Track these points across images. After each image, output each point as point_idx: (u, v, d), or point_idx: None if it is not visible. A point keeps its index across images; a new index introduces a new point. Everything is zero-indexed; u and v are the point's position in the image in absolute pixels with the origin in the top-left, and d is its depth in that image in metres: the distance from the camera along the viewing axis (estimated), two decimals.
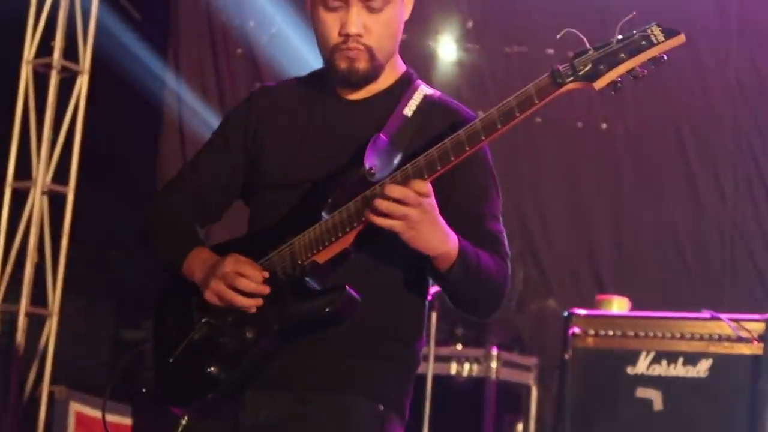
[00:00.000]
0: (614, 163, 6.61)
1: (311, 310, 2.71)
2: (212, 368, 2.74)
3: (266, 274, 2.74)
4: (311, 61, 3.46)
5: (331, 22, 2.83)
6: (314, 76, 3.01)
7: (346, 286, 2.67)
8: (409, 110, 2.86)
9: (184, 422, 2.78)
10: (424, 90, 2.92)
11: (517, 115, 2.62)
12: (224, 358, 2.75)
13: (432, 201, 2.61)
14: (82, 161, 6.65)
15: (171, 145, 7.16)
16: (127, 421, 5.88)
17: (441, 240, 2.64)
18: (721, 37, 6.34)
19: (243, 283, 2.71)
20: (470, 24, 6.97)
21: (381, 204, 2.57)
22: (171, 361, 2.82)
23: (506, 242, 2.88)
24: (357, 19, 2.80)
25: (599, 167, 6.66)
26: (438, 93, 2.96)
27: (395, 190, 2.58)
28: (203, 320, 2.81)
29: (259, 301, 2.73)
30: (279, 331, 2.73)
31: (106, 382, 3.34)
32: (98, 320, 7.37)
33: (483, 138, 2.65)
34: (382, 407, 2.79)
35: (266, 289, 2.73)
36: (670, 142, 6.50)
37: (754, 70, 6.30)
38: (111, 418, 5.84)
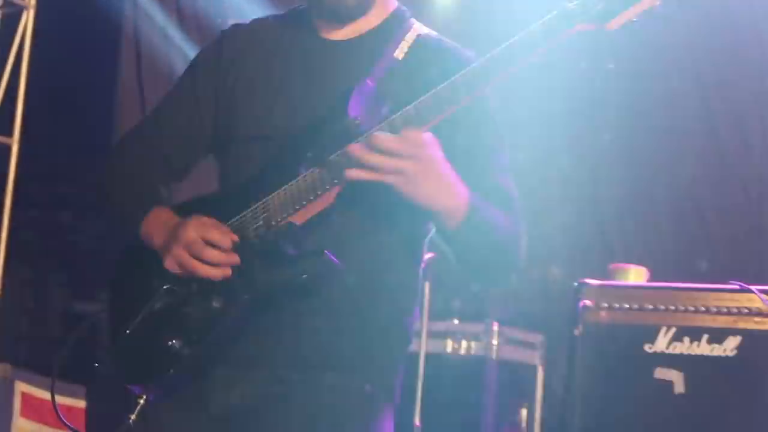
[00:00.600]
0: (625, 110, 6.59)
1: (286, 276, 2.71)
2: (174, 341, 2.74)
3: (235, 238, 2.74)
4: None
5: None
6: (294, 14, 3.02)
7: (325, 251, 2.67)
8: (400, 52, 2.87)
9: (142, 402, 2.76)
10: (417, 29, 2.92)
11: (520, 60, 2.62)
12: (188, 330, 2.76)
13: (430, 150, 2.59)
14: (28, 109, 6.61)
15: (131, 93, 7.12)
16: (81, 403, 5.90)
17: (446, 193, 2.64)
18: None
19: (208, 253, 2.70)
20: None
21: (370, 158, 2.56)
22: (128, 332, 2.82)
23: (516, 195, 2.89)
24: None
25: (609, 112, 6.64)
26: (434, 33, 2.95)
27: (385, 141, 2.56)
28: (164, 287, 2.80)
29: (227, 271, 2.72)
30: (250, 301, 2.73)
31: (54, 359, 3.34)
32: (47, 291, 7.36)
33: (481, 84, 2.64)
34: (369, 387, 2.82)
35: (235, 259, 2.72)
36: (690, 89, 6.49)
37: None
38: (62, 400, 5.85)
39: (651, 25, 6.33)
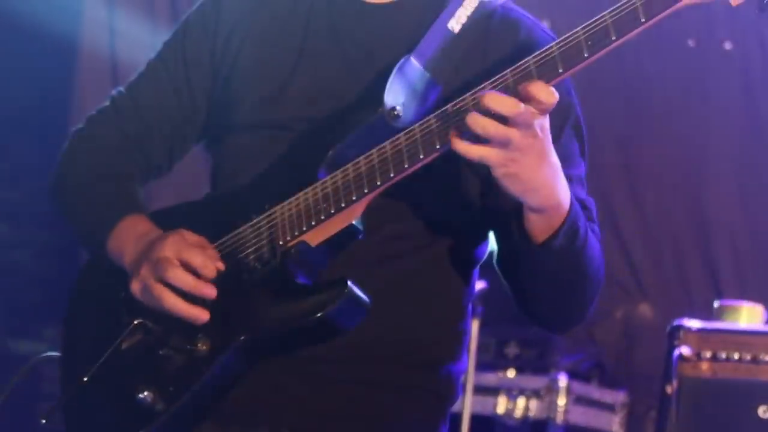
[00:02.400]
0: (747, 101, 6.70)
1: (295, 314, 2.65)
2: (146, 393, 2.68)
3: (221, 267, 2.67)
4: None
5: None
6: None
7: (348, 281, 2.61)
8: (456, 23, 2.83)
9: None
10: None
11: (614, 38, 2.52)
12: (164, 380, 2.71)
13: (547, 122, 2.49)
14: None
15: (94, 69, 7.24)
16: None
17: (552, 183, 2.54)
18: None
19: (177, 276, 2.63)
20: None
21: (477, 121, 2.43)
22: (85, 380, 2.77)
23: (596, 212, 2.81)
24: None
25: (721, 106, 6.75)
26: (500, 0, 2.89)
27: (500, 102, 2.41)
28: (135, 322, 2.75)
29: (203, 313, 2.65)
30: (246, 345, 2.68)
31: None
32: None
33: (561, 72, 2.52)
34: None
35: (211, 291, 2.65)
36: None
37: None
38: None
39: None
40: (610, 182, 6.67)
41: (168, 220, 2.81)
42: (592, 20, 2.55)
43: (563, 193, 2.55)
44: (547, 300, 2.74)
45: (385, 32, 2.87)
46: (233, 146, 2.92)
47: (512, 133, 2.42)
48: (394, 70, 2.71)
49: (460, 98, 2.52)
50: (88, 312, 2.91)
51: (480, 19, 2.85)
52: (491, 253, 2.82)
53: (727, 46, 6.74)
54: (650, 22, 2.60)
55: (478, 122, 2.42)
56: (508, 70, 2.51)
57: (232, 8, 2.98)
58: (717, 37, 6.74)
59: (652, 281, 6.60)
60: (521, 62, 2.51)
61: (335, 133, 2.69)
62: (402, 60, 2.73)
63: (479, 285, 5.31)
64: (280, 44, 2.91)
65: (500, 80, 2.51)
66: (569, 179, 2.65)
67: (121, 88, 3.02)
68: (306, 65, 2.88)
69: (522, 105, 2.41)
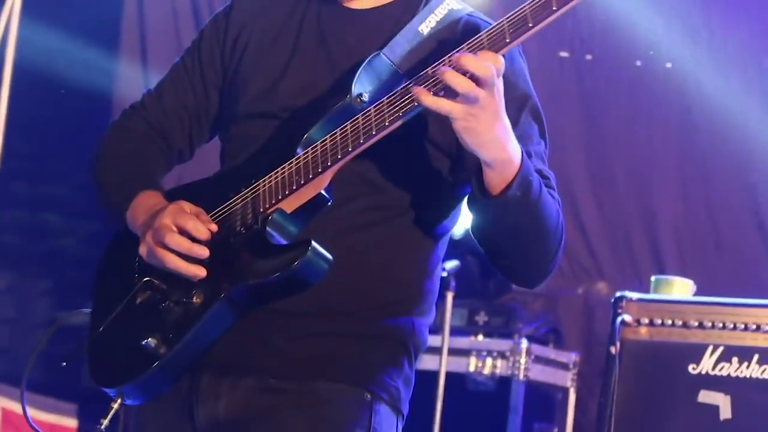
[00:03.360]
0: (682, 110, 6.69)
1: (268, 270, 2.64)
2: (150, 339, 2.67)
3: (214, 228, 2.69)
4: None
5: None
6: None
7: (312, 241, 2.60)
8: (425, 27, 2.80)
9: (116, 406, 2.73)
10: (450, 4, 2.84)
11: (531, 24, 2.49)
12: (165, 327, 2.71)
13: (502, 85, 2.47)
14: (13, 100, 6.68)
15: (131, 77, 7.21)
16: (72, 422, 5.95)
17: (504, 139, 2.51)
18: None
19: (175, 240, 2.64)
20: None
21: (453, 78, 2.42)
22: (101, 329, 2.78)
23: (554, 184, 2.76)
24: None
25: (663, 116, 6.75)
26: (469, 9, 2.86)
27: (472, 63, 2.42)
28: (144, 279, 2.76)
29: (199, 269, 2.66)
30: (231, 298, 2.67)
31: (27, 367, 3.32)
32: (30, 300, 7.39)
33: (508, 41, 2.50)
34: (368, 396, 2.75)
35: (203, 250, 2.66)
36: (752, 83, 6.57)
37: None
38: (53, 418, 5.91)
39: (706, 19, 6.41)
40: (573, 178, 6.65)
41: (179, 195, 2.81)
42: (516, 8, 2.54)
43: (513, 150, 2.53)
44: (514, 252, 2.71)
45: (364, 34, 2.84)
46: (235, 133, 2.92)
47: (479, 91, 2.42)
48: (363, 63, 2.71)
49: (419, 75, 2.53)
50: (112, 273, 2.91)
51: (448, 25, 2.81)
52: (459, 239, 2.81)
53: (668, 65, 6.70)
54: (565, 7, 2.52)
55: (455, 78, 2.41)
56: (484, 33, 2.51)
57: (238, 19, 2.98)
58: (660, 58, 6.70)
59: (608, 262, 6.60)
60: (496, 25, 2.51)
61: (311, 118, 2.70)
62: (372, 55, 2.73)
63: (452, 264, 5.31)
64: (276, 47, 2.91)
65: (475, 43, 2.51)
66: (529, 155, 2.66)
67: (150, 88, 3.05)
68: (296, 63, 2.87)
69: (493, 68, 2.41)
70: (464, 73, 2.42)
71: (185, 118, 2.99)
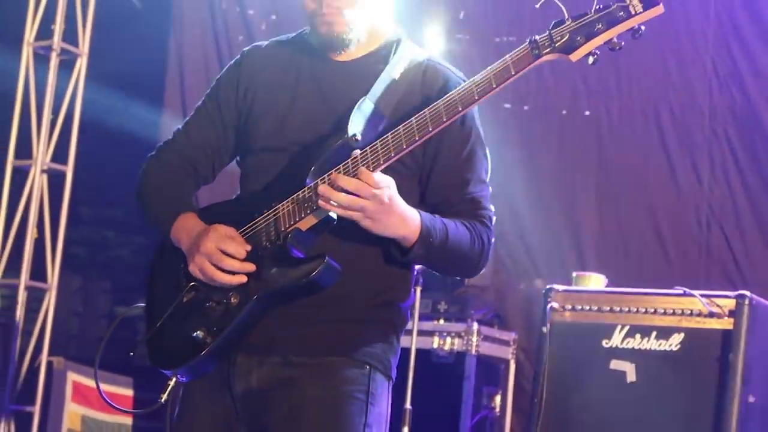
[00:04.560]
0: (598, 148, 6.65)
1: (292, 278, 2.66)
2: (198, 332, 2.71)
3: (248, 248, 2.71)
4: None
5: None
6: (305, 36, 2.94)
7: (327, 256, 2.63)
8: (396, 72, 2.80)
9: (172, 383, 2.76)
10: (413, 52, 2.85)
11: (494, 85, 2.57)
12: (210, 322, 2.72)
13: (387, 190, 2.57)
14: (81, 141, 6.67)
15: (173, 125, 7.19)
16: (129, 392, 5.93)
17: (398, 226, 2.62)
18: (700, 25, 6.37)
19: (227, 262, 2.68)
20: (462, 14, 6.99)
21: (338, 197, 2.54)
22: (159, 324, 2.79)
23: (488, 204, 2.83)
24: None
25: (583, 153, 6.69)
26: (427, 55, 2.88)
27: (348, 183, 2.54)
28: (190, 285, 2.77)
29: (242, 278, 2.70)
30: (262, 298, 2.69)
31: (98, 350, 3.35)
32: (94, 298, 7.37)
33: (460, 109, 2.59)
34: (367, 367, 2.76)
35: (250, 267, 2.69)
36: (651, 128, 6.52)
37: (730, 58, 6.33)
38: (113, 389, 5.91)
39: (615, 73, 6.42)
40: (516, 200, 6.63)
41: (210, 214, 2.82)
42: (481, 72, 2.59)
43: (410, 227, 2.64)
44: (438, 270, 2.89)
45: (350, 81, 2.83)
46: (252, 163, 2.91)
47: (363, 202, 2.54)
48: (355, 108, 2.69)
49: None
50: (160, 278, 2.89)
51: (412, 68, 2.81)
52: None
53: (587, 113, 6.70)
54: (518, 75, 2.59)
55: (339, 197, 2.55)
56: (455, 92, 2.61)
57: (247, 71, 2.96)
58: (579, 106, 6.70)
59: (543, 264, 6.56)
60: (466, 85, 2.60)
61: (317, 152, 2.68)
62: (360, 100, 2.70)
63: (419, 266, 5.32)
64: (280, 93, 2.88)
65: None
66: (468, 181, 2.80)
67: (179, 126, 3.02)
68: (297, 106, 2.85)
69: (363, 186, 2.54)
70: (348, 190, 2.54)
71: (209, 151, 2.96)
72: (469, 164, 2.83)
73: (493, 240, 2.84)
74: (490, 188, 2.88)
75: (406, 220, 2.63)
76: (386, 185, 2.57)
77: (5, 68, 6.71)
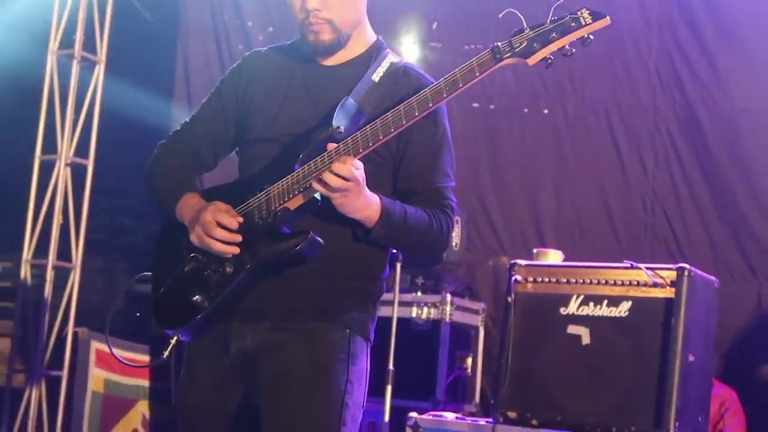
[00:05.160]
0: (555, 142, 6.67)
1: (280, 251, 2.68)
2: (197, 297, 2.72)
3: (241, 220, 2.71)
4: None
5: (296, 1, 2.79)
6: (297, 44, 2.96)
7: (311, 231, 2.65)
8: (376, 76, 2.81)
9: (173, 342, 2.77)
10: (391, 58, 2.87)
11: (461, 85, 2.60)
12: (207, 288, 2.73)
13: (362, 174, 2.59)
14: (100, 138, 6.65)
15: (181, 116, 7.16)
16: (145, 357, 5.94)
17: (363, 206, 2.63)
18: (644, 35, 6.41)
19: (218, 232, 2.68)
20: (435, 25, 6.99)
21: (330, 179, 2.56)
22: (162, 290, 2.82)
23: (450, 195, 2.84)
24: None
25: (543, 146, 6.70)
26: (404, 61, 2.90)
27: (343, 169, 2.56)
28: (191, 255, 2.77)
29: (234, 249, 2.70)
30: (254, 267, 2.70)
31: (110, 320, 3.39)
32: (113, 276, 7.34)
33: (431, 105, 2.61)
34: (348, 331, 2.78)
35: (238, 237, 2.69)
36: (602, 124, 6.55)
37: (671, 62, 6.37)
38: (131, 355, 5.91)
39: (569, 76, 6.43)
40: (483, 188, 6.65)
41: (212, 195, 2.82)
42: (449, 73, 2.60)
43: (372, 210, 2.66)
44: (406, 252, 2.99)
45: (335, 83, 2.84)
46: (248, 152, 2.92)
47: (346, 184, 2.56)
48: (339, 104, 2.69)
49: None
50: (165, 249, 2.90)
51: (391, 72, 2.82)
52: None
53: (545, 111, 6.71)
54: (482, 76, 2.61)
55: (330, 179, 2.57)
56: (428, 90, 2.62)
57: (246, 73, 2.96)
58: (538, 105, 6.72)
59: (508, 243, 6.58)
60: (436, 84, 2.61)
61: (305, 143, 2.69)
62: (344, 98, 2.72)
63: None
64: (274, 92, 2.89)
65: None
66: (433, 172, 2.83)
67: (186, 119, 3.02)
68: (288, 104, 2.85)
69: (354, 172, 2.55)
70: (337, 174, 2.55)
71: (211, 141, 2.97)
72: (434, 158, 2.85)
73: (454, 227, 2.87)
74: (454, 181, 2.89)
75: (369, 203, 2.65)
76: (361, 168, 2.60)
77: (33, 73, 6.70)
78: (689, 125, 6.29)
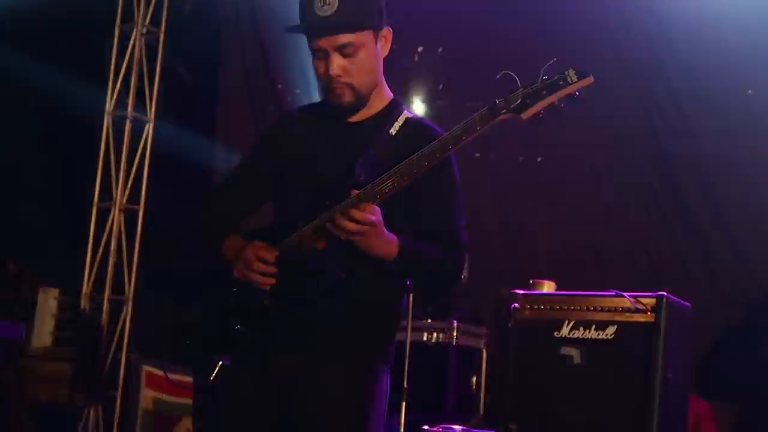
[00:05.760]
0: (548, 186, 6.65)
1: (311, 285, 2.68)
2: (240, 326, 2.72)
3: (276, 253, 2.70)
4: None
5: (320, 67, 2.78)
6: (325, 102, 2.94)
7: (337, 269, 2.65)
8: (393, 130, 2.80)
9: (218, 366, 2.75)
10: (407, 114, 2.85)
11: (464, 138, 2.59)
12: (248, 318, 2.72)
13: (379, 220, 2.58)
14: (150, 187, 6.70)
15: (222, 154, 7.27)
16: (189, 378, 5.92)
17: (383, 246, 2.63)
18: (626, 96, 6.40)
19: (257, 266, 2.69)
20: (441, 86, 7.03)
21: (350, 225, 2.56)
22: (210, 320, 2.82)
23: (461, 234, 2.81)
24: (336, 64, 2.73)
25: (537, 190, 6.69)
26: (418, 116, 2.89)
27: (359, 215, 2.56)
28: (234, 290, 2.77)
29: (271, 280, 2.69)
30: (288, 300, 2.70)
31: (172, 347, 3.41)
32: (163, 308, 7.32)
33: (438, 156, 2.61)
34: (372, 356, 2.78)
35: (273, 269, 2.68)
36: (588, 172, 6.54)
37: (649, 120, 6.38)
38: (177, 376, 5.86)
39: (559, 130, 6.42)
40: (484, 223, 6.60)
41: (251, 236, 2.81)
42: (454, 128, 2.60)
43: (388, 249, 2.65)
44: (421, 282, 2.96)
45: (357, 137, 2.83)
46: (282, 199, 2.92)
47: (365, 228, 2.56)
48: (361, 157, 2.72)
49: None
50: (213, 284, 2.90)
51: (406, 126, 2.80)
52: None
53: (539, 159, 6.71)
54: (482, 130, 2.61)
55: (349, 225, 2.56)
56: (437, 142, 2.60)
57: (281, 130, 2.95)
58: (533, 154, 6.72)
59: (507, 276, 6.51)
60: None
61: (330, 191, 2.68)
62: (365, 151, 2.74)
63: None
64: (306, 147, 2.89)
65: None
66: (445, 215, 2.81)
67: (228, 172, 3.04)
68: (318, 157, 2.85)
69: (370, 218, 2.55)
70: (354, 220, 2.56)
71: (249, 193, 2.98)
72: (447, 200, 2.84)
73: (465, 262, 2.85)
74: (464, 220, 2.88)
75: (388, 241, 2.64)
76: (377, 213, 2.60)
77: (91, 132, 6.75)
78: (666, 174, 6.27)
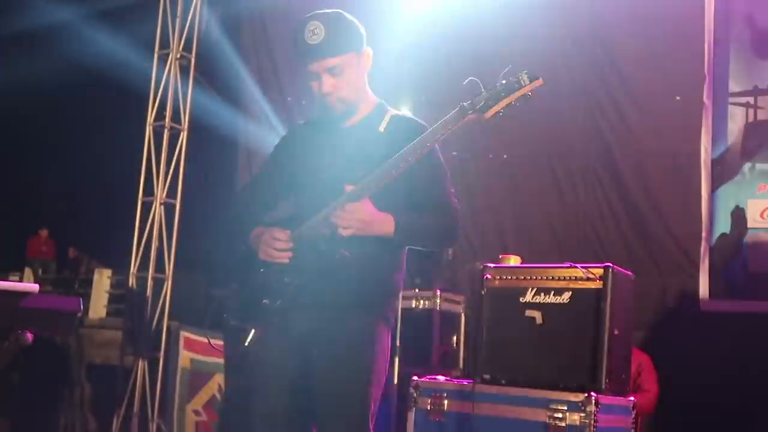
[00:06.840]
0: (513, 177, 6.60)
1: (322, 263, 2.67)
2: (266, 300, 2.70)
3: (288, 232, 2.69)
4: None
5: (315, 87, 2.76)
6: (323, 113, 2.92)
7: (341, 250, 2.62)
8: (382, 127, 2.77)
9: (251, 333, 2.71)
10: (392, 112, 2.83)
11: (440, 135, 2.57)
12: (273, 293, 2.71)
13: (366, 210, 2.58)
14: (186, 184, 6.64)
15: (245, 170, 7.18)
16: (220, 341, 5.88)
17: (379, 228, 2.63)
18: (575, 98, 6.36)
19: (276, 244, 2.70)
20: (423, 98, 6.97)
21: (343, 221, 2.59)
22: (242, 294, 2.79)
23: (452, 200, 2.79)
24: (326, 83, 2.72)
25: (504, 181, 6.63)
26: (401, 112, 2.86)
27: (346, 212, 2.59)
28: (261, 270, 2.76)
29: (288, 254, 2.67)
30: (304, 276, 2.68)
31: (204, 316, 3.33)
32: (197, 284, 7.28)
33: (419, 152, 2.59)
34: (377, 318, 2.75)
35: (289, 244, 2.67)
36: (545, 164, 6.49)
37: (593, 119, 6.33)
38: (215, 341, 5.83)
39: (519, 129, 6.33)
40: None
41: (270, 225, 2.80)
42: (432, 126, 2.57)
43: (387, 228, 2.66)
44: (420, 246, 2.83)
45: (352, 139, 2.78)
46: (294, 195, 2.88)
47: (357, 222, 2.60)
48: (356, 155, 2.74)
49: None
50: (243, 267, 2.84)
51: (393, 122, 2.76)
52: None
53: (505, 156, 6.65)
54: (452, 129, 2.58)
55: (343, 221, 2.61)
56: (349, 191, 2.62)
57: (293, 140, 2.94)
58: (500, 152, 6.66)
59: (481, 252, 6.51)
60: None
61: (330, 187, 2.67)
62: (359, 150, 2.74)
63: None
64: (310, 151, 2.85)
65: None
66: (437, 188, 2.77)
67: (250, 177, 3.07)
68: (322, 159, 2.81)
69: (353, 215, 2.58)
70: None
71: (269, 193, 2.94)
72: (436, 177, 2.81)
73: (458, 221, 2.80)
74: (453, 189, 2.85)
75: (383, 222, 2.64)
76: (366, 206, 2.59)
77: (138, 140, 6.71)
78: (609, 164, 6.24)
